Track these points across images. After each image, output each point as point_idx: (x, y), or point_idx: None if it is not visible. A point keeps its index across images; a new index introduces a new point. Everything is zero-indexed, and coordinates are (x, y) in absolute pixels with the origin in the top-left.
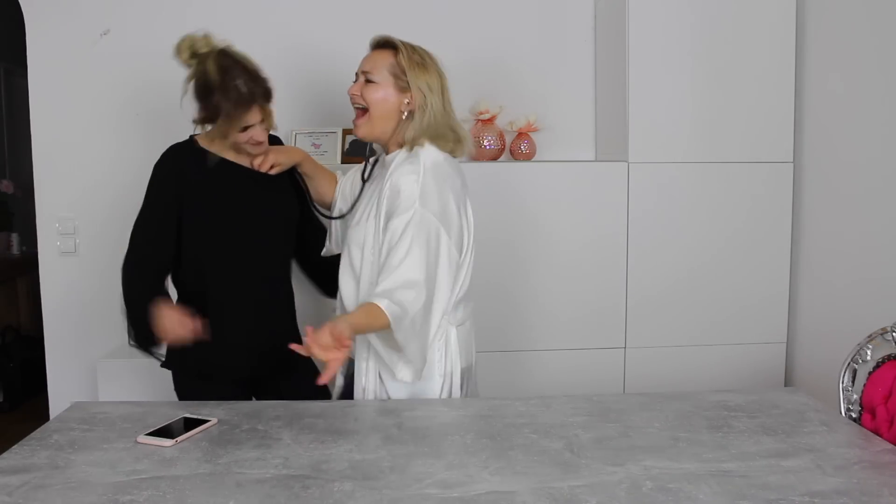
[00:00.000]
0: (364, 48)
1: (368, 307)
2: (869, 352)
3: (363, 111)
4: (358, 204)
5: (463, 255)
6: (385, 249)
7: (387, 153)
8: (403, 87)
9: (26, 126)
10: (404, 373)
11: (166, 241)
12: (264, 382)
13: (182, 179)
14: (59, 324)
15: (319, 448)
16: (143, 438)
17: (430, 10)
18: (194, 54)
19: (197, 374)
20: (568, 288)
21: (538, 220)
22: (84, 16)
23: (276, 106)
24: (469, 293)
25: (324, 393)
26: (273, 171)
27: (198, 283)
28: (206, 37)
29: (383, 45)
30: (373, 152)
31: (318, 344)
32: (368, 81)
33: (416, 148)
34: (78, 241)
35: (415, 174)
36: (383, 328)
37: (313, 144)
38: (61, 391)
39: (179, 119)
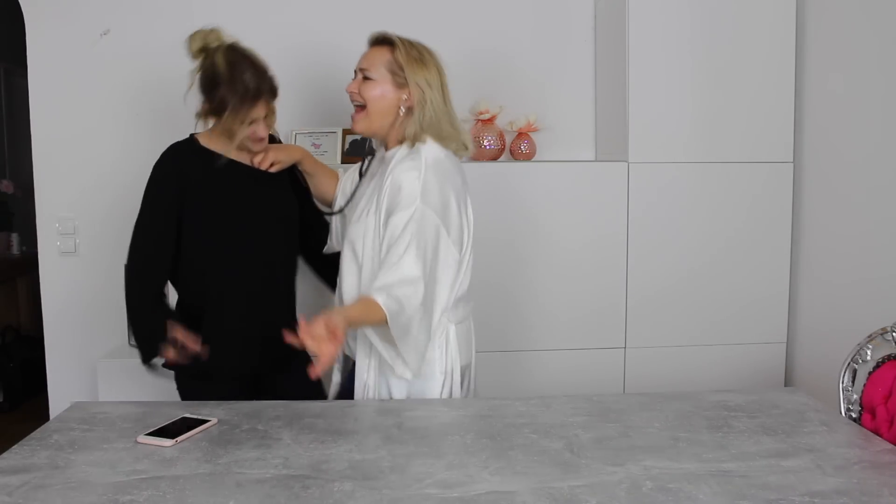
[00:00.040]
0: (364, 48)
1: (365, 301)
2: (869, 352)
3: (362, 108)
4: (357, 200)
5: (462, 253)
6: (385, 245)
7: (386, 149)
8: (401, 84)
9: (26, 126)
10: (402, 369)
11: (168, 243)
12: (264, 380)
13: (183, 178)
14: (59, 324)
15: (319, 448)
16: (143, 438)
17: (429, 10)
18: (203, 48)
19: (198, 373)
20: (568, 288)
21: (538, 220)
22: (84, 16)
23: (277, 106)
24: (469, 291)
25: (323, 389)
26: (273, 169)
27: (197, 282)
28: (217, 31)
29: (381, 41)
30: (371, 150)
31: (311, 335)
32: (366, 79)
33: (417, 144)
34: (78, 241)
35: (416, 170)
36: (379, 323)
37: (313, 144)
38: (61, 391)
39: (180, 119)
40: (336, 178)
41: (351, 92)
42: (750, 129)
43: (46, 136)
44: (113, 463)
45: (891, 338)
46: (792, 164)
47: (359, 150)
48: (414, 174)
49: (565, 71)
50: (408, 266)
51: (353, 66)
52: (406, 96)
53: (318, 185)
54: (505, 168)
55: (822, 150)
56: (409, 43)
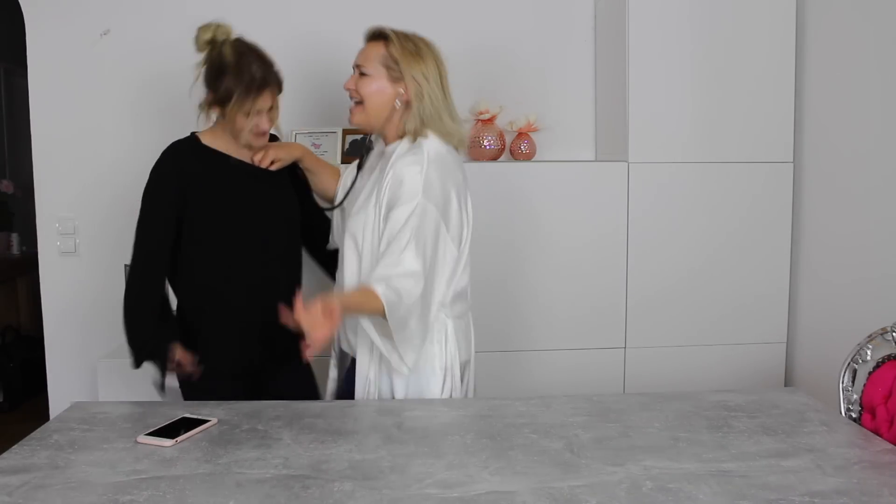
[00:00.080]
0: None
1: (365, 290)
2: (869, 352)
3: (359, 103)
4: (357, 193)
5: (460, 249)
6: (385, 239)
7: (385, 143)
8: (397, 78)
9: (26, 126)
10: (398, 363)
11: (169, 242)
12: (265, 377)
13: (183, 177)
14: (59, 324)
15: (319, 448)
16: (143, 438)
17: (429, 10)
18: (211, 40)
19: (202, 371)
20: (568, 288)
21: (538, 221)
22: (84, 16)
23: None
24: (467, 287)
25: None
26: (274, 167)
27: (198, 280)
28: (225, 26)
29: (376, 36)
30: (369, 145)
31: (306, 316)
32: (362, 74)
33: (419, 139)
34: (78, 241)
35: (419, 165)
36: (376, 312)
37: (313, 144)
38: (61, 391)
39: (180, 118)
40: (337, 174)
41: (348, 88)
42: (750, 129)
43: (46, 136)
44: (113, 463)
45: (891, 338)
46: (792, 164)
47: (359, 150)
48: (416, 168)
49: (565, 71)
50: (408, 260)
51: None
52: (403, 90)
53: (319, 181)
54: (505, 168)
55: (822, 150)
56: (404, 36)
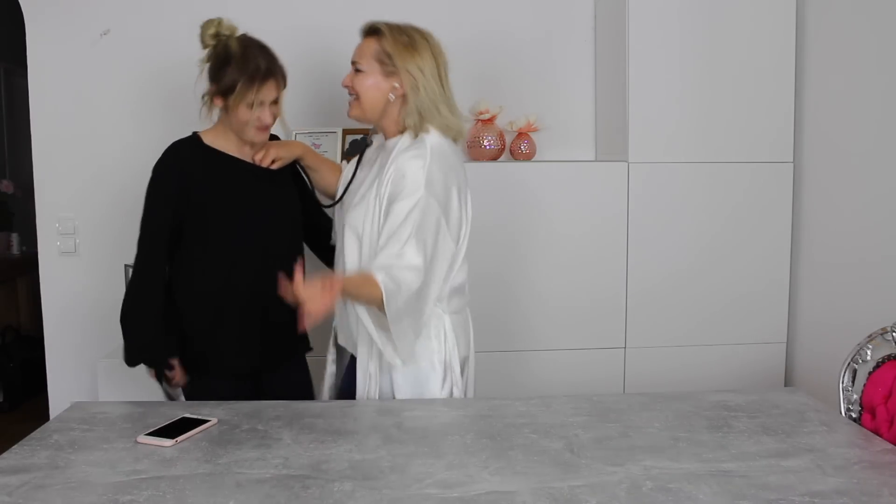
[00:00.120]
0: None
1: (365, 276)
2: (869, 352)
3: (356, 99)
4: (356, 186)
5: (458, 246)
6: (386, 231)
7: (385, 137)
8: (391, 72)
9: (26, 126)
10: (392, 355)
11: (172, 242)
12: (266, 376)
13: (184, 176)
14: (59, 324)
15: (319, 448)
16: (143, 438)
17: (429, 10)
18: (217, 34)
19: (201, 371)
20: (568, 288)
21: (538, 221)
22: (84, 16)
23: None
24: (465, 284)
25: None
26: (275, 166)
27: (199, 279)
28: (230, 23)
29: (369, 31)
30: (368, 144)
31: (306, 288)
32: (357, 71)
33: (421, 134)
34: (78, 241)
35: (421, 159)
36: (373, 299)
37: (313, 144)
38: (61, 391)
39: (180, 118)
40: (338, 170)
41: (345, 85)
42: (750, 129)
43: (46, 136)
44: (113, 463)
45: (891, 338)
46: (792, 164)
47: (359, 149)
48: (419, 163)
49: (565, 71)
50: (410, 254)
51: None
52: (398, 84)
53: (320, 178)
54: (505, 168)
55: (822, 150)
56: (398, 29)
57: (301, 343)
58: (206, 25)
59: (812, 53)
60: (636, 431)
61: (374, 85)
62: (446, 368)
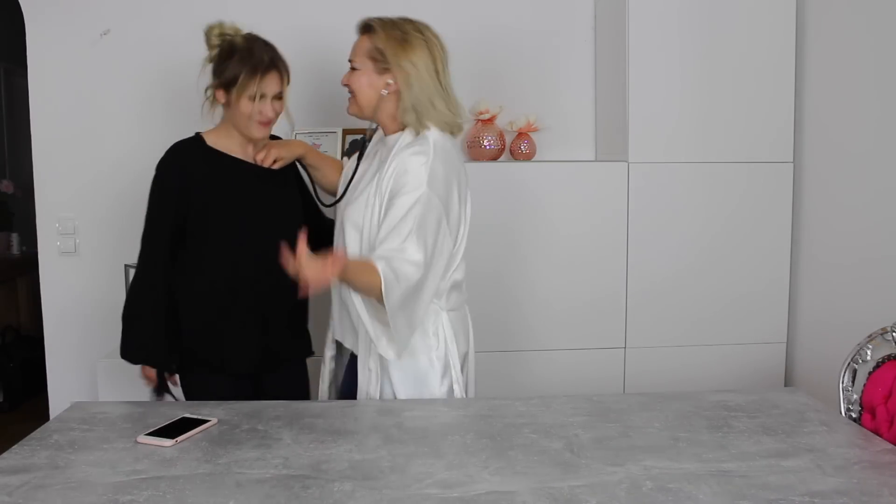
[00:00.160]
0: None
1: (365, 261)
2: (869, 352)
3: (353, 96)
4: (357, 181)
5: (456, 246)
6: (387, 225)
7: (385, 134)
8: (384, 69)
9: (26, 126)
10: (385, 348)
11: (173, 242)
12: (266, 376)
13: (185, 176)
14: (59, 324)
15: (319, 448)
16: (143, 438)
17: (429, 10)
18: (222, 34)
19: (202, 370)
20: (568, 288)
21: (538, 221)
22: (84, 16)
23: None
24: (463, 282)
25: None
26: (276, 166)
27: (201, 279)
28: (232, 24)
29: (363, 29)
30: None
31: (307, 260)
32: (353, 69)
33: (423, 132)
34: (78, 241)
35: (424, 156)
36: (371, 286)
37: (313, 144)
38: (61, 391)
39: (180, 118)
40: (340, 168)
41: (343, 84)
42: (750, 129)
43: (46, 136)
44: (113, 463)
45: (891, 338)
46: (792, 164)
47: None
48: (422, 159)
49: (565, 71)
50: (411, 249)
51: None
52: (391, 81)
53: (323, 177)
54: (505, 168)
55: (822, 150)
56: (391, 25)
57: (302, 345)
58: (210, 28)
59: (812, 53)
60: (636, 431)
61: (367, 82)
62: (445, 365)
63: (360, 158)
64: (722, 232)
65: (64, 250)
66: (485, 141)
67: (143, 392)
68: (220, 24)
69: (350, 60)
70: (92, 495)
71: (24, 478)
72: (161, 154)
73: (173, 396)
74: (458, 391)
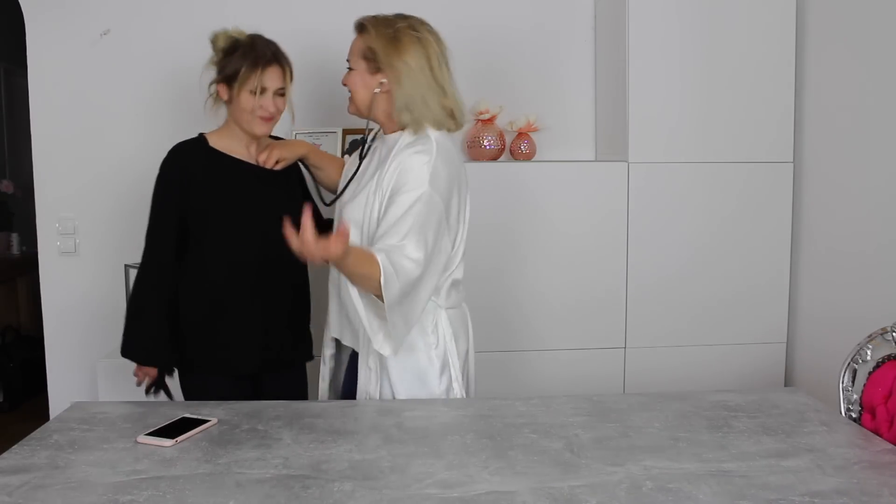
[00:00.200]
0: None
1: (367, 252)
2: (869, 352)
3: (351, 95)
4: (357, 180)
5: (455, 248)
6: (387, 222)
7: (384, 132)
8: (377, 68)
9: (26, 126)
10: (381, 344)
11: (176, 243)
12: (267, 377)
13: (186, 177)
14: (59, 324)
15: (319, 448)
16: (143, 438)
17: (429, 10)
18: (229, 37)
19: (202, 371)
20: (568, 288)
21: (538, 221)
22: (84, 16)
23: None
24: (461, 281)
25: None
26: (278, 167)
27: (202, 279)
28: (237, 28)
29: (357, 28)
30: (362, 142)
31: (310, 235)
32: (349, 69)
33: (422, 131)
34: (78, 241)
35: (427, 155)
36: (370, 278)
37: (314, 144)
38: (61, 391)
39: (181, 118)
40: (343, 166)
41: (343, 84)
42: (750, 128)
43: (46, 136)
44: (113, 463)
45: (891, 338)
46: (792, 164)
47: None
48: (424, 158)
49: (565, 71)
50: (411, 247)
51: None
52: (384, 80)
53: (326, 176)
54: (505, 168)
55: (822, 150)
56: (384, 23)
57: (303, 349)
58: (217, 36)
59: (812, 53)
60: (636, 431)
61: (361, 82)
62: (444, 363)
63: (361, 156)
64: (722, 232)
65: (64, 250)
66: (485, 141)
67: (143, 392)
68: (226, 31)
69: (347, 60)
70: (92, 495)
71: (24, 478)
72: (161, 154)
73: (169, 395)
74: (458, 389)
